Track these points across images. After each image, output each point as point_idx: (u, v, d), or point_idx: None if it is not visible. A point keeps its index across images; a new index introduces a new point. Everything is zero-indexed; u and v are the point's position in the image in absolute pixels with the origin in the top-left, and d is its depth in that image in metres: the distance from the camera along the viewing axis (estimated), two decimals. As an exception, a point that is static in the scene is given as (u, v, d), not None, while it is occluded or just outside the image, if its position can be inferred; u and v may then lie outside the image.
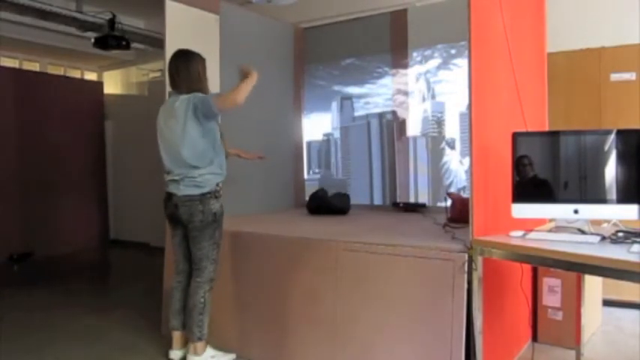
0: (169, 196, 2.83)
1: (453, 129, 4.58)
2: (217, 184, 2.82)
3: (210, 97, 2.71)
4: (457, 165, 4.54)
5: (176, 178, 2.78)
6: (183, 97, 2.76)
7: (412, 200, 4.61)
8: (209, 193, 2.76)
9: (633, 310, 3.70)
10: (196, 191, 2.75)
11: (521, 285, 2.77)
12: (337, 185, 4.99)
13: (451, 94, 4.55)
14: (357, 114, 5.06)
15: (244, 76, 2.75)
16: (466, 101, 4.56)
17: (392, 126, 4.83)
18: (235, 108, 2.71)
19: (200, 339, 2.82)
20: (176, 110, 2.75)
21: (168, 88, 2.98)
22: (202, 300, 2.81)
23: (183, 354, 2.94)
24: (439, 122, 4.65)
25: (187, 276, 2.94)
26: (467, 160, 4.38)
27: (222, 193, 2.85)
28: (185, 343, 2.95)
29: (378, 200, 4.87)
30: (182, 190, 2.76)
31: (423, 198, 4.60)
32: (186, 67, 2.82)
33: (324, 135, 5.28)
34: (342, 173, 5.19)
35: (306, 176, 5.26)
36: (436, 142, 4.65)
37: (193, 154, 2.73)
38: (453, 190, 4.37)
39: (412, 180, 4.71)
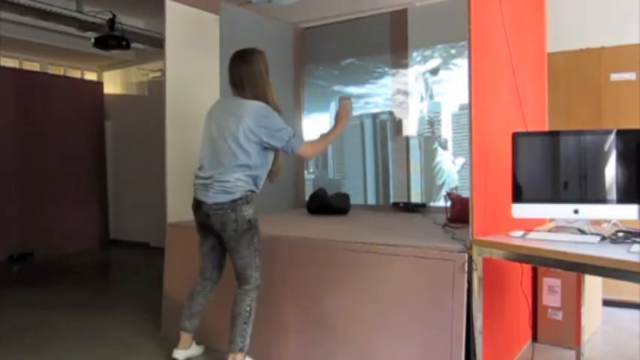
0: (198, 203, 2.64)
1: (448, 129, 4.60)
2: (249, 190, 2.61)
3: (296, 141, 2.63)
4: (449, 165, 4.56)
5: (206, 182, 2.61)
6: (252, 103, 2.62)
7: (406, 200, 4.61)
8: (240, 199, 2.55)
9: (633, 310, 3.70)
10: (226, 198, 2.55)
11: (521, 285, 2.77)
12: (331, 185, 4.97)
13: (451, 95, 4.56)
14: (356, 114, 5.06)
15: (339, 116, 2.85)
16: (460, 102, 4.59)
17: (386, 126, 4.83)
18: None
19: (242, 350, 2.65)
20: (239, 109, 2.61)
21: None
22: (248, 309, 2.64)
23: (188, 355, 2.93)
24: (432, 122, 4.67)
25: (213, 283, 2.86)
26: (459, 161, 4.43)
27: (254, 198, 2.65)
28: (190, 345, 2.93)
29: (371, 200, 4.88)
30: (211, 198, 2.57)
31: (416, 198, 4.61)
32: (247, 72, 2.67)
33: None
34: (337, 173, 5.19)
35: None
36: (429, 142, 4.67)
37: (239, 151, 2.56)
38: (445, 189, 4.40)
39: (405, 180, 4.71)
